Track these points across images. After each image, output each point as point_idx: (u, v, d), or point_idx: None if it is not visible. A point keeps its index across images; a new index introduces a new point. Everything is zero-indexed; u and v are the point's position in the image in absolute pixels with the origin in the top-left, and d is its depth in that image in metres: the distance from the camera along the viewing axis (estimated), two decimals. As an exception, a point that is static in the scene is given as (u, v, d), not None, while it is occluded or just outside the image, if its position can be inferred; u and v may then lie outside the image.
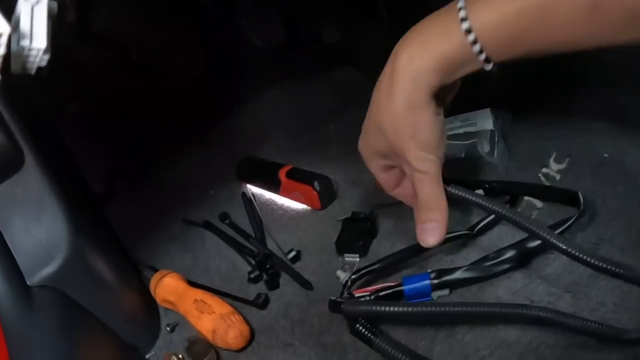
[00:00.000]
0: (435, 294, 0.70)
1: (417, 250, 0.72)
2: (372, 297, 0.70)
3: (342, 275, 0.75)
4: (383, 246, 0.79)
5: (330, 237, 0.83)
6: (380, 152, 0.63)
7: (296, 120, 1.08)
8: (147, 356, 0.78)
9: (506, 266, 0.69)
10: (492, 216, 0.73)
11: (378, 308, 0.64)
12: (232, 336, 0.72)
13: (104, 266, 0.76)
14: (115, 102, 1.11)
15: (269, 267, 0.80)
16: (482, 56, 0.54)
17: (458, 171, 0.77)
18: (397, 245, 0.77)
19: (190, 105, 1.13)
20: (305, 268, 0.81)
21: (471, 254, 0.73)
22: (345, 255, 0.79)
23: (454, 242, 0.73)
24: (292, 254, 0.81)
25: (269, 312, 0.77)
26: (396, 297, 0.70)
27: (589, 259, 0.56)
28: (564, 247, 0.57)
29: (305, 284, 0.77)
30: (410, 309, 0.64)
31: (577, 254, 0.57)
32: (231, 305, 0.77)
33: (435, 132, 0.59)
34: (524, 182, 0.78)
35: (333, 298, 0.70)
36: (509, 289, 0.68)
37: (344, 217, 0.82)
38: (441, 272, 0.69)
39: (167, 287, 0.81)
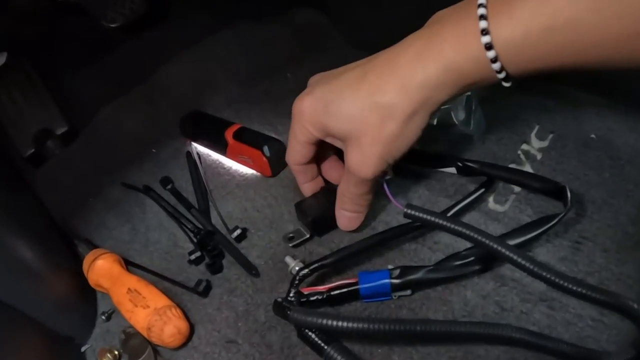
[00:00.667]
0: (395, 294, 0.61)
1: (377, 242, 0.64)
2: (324, 297, 0.61)
3: (292, 263, 0.65)
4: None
5: (280, 210, 0.74)
6: (322, 127, 0.58)
7: (249, 67, 0.95)
8: (82, 349, 0.69)
9: (477, 267, 0.60)
10: (470, 199, 0.66)
11: (329, 322, 0.54)
12: (168, 334, 0.63)
13: (25, 247, 0.67)
14: (45, 49, 0.96)
15: (211, 248, 0.70)
16: (502, 75, 0.49)
17: (429, 141, 0.67)
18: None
19: (129, 50, 0.99)
20: (252, 248, 0.71)
21: (439, 245, 0.65)
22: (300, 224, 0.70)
23: (416, 231, 0.65)
24: (237, 232, 0.71)
25: (212, 300, 0.68)
26: (351, 296, 0.61)
27: (550, 277, 0.51)
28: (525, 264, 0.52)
29: (251, 270, 0.68)
30: (366, 325, 0.53)
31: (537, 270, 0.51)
32: (169, 293, 0.68)
33: (410, 146, 0.56)
34: (503, 166, 0.68)
35: (279, 300, 0.60)
36: (478, 292, 0.60)
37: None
38: (404, 270, 0.60)
39: (100, 270, 0.71)
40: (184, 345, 0.65)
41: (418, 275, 0.60)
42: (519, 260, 0.52)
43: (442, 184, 0.69)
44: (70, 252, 0.76)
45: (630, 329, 0.52)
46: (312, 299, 0.61)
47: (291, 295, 0.61)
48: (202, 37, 0.99)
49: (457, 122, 0.71)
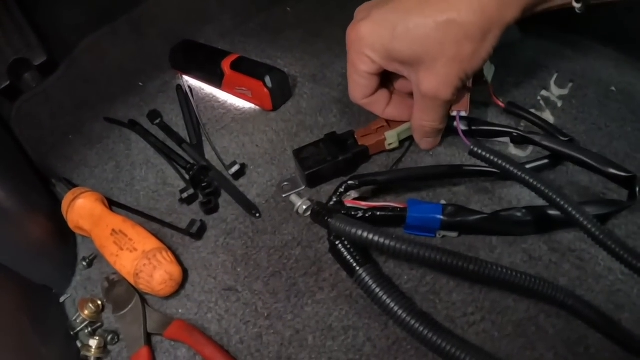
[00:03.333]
0: (441, 233, 0.52)
1: (435, 174, 0.55)
2: (367, 214, 0.51)
3: (298, 202, 0.54)
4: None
5: (282, 145, 0.63)
6: (387, 53, 0.50)
7: (245, -2, 0.81)
8: (61, 299, 0.58)
9: (529, 229, 0.51)
10: (533, 165, 0.55)
11: (377, 239, 0.44)
12: (158, 281, 0.52)
13: None
14: None
15: (206, 185, 0.58)
16: None
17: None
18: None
19: None
20: (251, 187, 0.60)
21: (492, 200, 0.55)
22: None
23: (479, 178, 0.56)
24: (235, 168, 0.59)
25: (206, 244, 0.58)
26: (395, 221, 0.51)
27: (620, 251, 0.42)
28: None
29: (251, 209, 0.56)
30: (417, 251, 0.43)
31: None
32: (158, 235, 0.57)
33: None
34: (564, 139, 0.56)
35: (316, 207, 0.50)
36: (504, 239, 0.52)
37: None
38: (457, 210, 0.51)
39: (81, 210, 0.59)
40: (175, 293, 0.54)
41: (472, 219, 0.50)
42: (589, 226, 0.43)
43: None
44: (47, 192, 0.65)
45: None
46: (353, 213, 0.51)
47: (331, 203, 0.51)
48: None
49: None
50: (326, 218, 0.47)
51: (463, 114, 0.55)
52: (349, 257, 0.47)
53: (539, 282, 0.44)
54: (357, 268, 0.46)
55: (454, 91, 0.50)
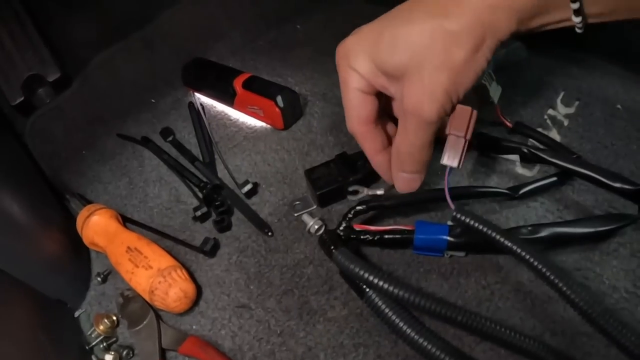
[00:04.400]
0: (448, 253, 0.52)
1: (440, 196, 0.53)
2: (375, 238, 0.52)
3: (310, 222, 0.55)
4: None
5: (294, 164, 0.64)
6: (373, 65, 0.46)
7: (256, 16, 0.83)
8: (76, 314, 0.59)
9: (537, 247, 0.51)
10: (541, 183, 0.55)
11: (370, 278, 0.45)
12: (173, 298, 0.53)
13: (11, 202, 0.57)
14: None
15: (219, 203, 0.59)
16: (576, 5, 0.41)
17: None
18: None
19: None
20: (263, 205, 0.61)
21: (499, 220, 0.55)
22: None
23: (487, 198, 0.56)
24: (248, 187, 0.60)
25: (219, 261, 0.58)
26: (403, 243, 0.52)
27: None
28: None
29: (263, 228, 0.57)
30: (408, 297, 0.44)
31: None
32: (172, 252, 0.58)
33: (475, 80, 0.45)
34: (573, 157, 0.57)
35: (324, 236, 0.51)
36: (510, 258, 0.50)
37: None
38: (464, 231, 0.51)
39: (96, 227, 0.60)
40: (189, 310, 0.55)
41: (479, 238, 0.49)
42: (572, 296, 0.42)
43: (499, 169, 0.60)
44: (62, 208, 0.66)
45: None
46: (362, 237, 0.52)
47: (341, 228, 0.52)
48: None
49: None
50: (332, 248, 0.48)
51: (455, 164, 0.48)
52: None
53: (523, 338, 0.44)
54: (367, 290, 0.47)
55: (439, 108, 0.44)
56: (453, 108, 0.46)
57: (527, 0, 0.42)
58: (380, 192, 0.56)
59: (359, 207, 0.52)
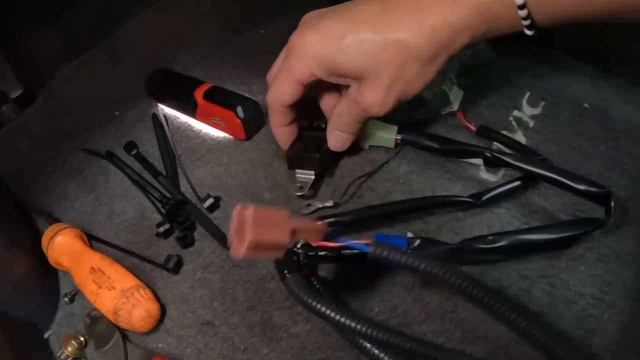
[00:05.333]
0: None
1: (404, 209, 0.55)
2: (334, 255, 0.51)
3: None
4: (343, 170, 0.61)
5: (256, 176, 0.63)
6: (329, 65, 0.50)
7: (221, 23, 0.82)
8: (45, 335, 0.58)
9: (500, 256, 0.51)
10: (504, 188, 0.54)
11: (321, 309, 0.43)
12: (137, 318, 0.53)
13: None
14: None
15: (182, 219, 0.58)
16: (527, 22, 0.45)
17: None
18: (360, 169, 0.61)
19: (90, 3, 0.82)
20: (226, 219, 0.61)
21: (464, 228, 0.55)
22: (297, 172, 0.59)
23: (449, 207, 0.55)
24: (209, 201, 0.60)
25: (184, 278, 0.58)
26: (362, 259, 0.48)
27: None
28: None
29: (226, 242, 0.57)
30: (359, 328, 0.42)
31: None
32: (137, 270, 0.58)
33: (424, 88, 0.50)
34: (538, 159, 0.56)
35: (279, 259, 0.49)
36: (475, 267, 0.52)
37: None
38: (423, 243, 0.50)
39: (60, 247, 0.60)
40: (155, 328, 0.55)
41: (438, 251, 0.50)
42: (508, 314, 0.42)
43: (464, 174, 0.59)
44: (29, 227, 0.65)
45: (632, 308, 0.47)
46: (320, 253, 0.51)
47: (298, 246, 0.51)
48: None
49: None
50: (285, 272, 0.47)
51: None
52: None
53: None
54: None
55: (388, 109, 0.51)
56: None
57: (478, 19, 0.46)
58: (329, 203, 0.57)
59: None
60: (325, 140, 0.58)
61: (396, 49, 0.47)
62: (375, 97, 0.50)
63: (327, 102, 0.58)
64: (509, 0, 0.44)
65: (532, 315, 0.44)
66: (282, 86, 0.53)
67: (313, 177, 0.58)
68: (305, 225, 0.44)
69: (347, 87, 0.53)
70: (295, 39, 0.51)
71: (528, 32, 0.46)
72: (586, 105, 0.61)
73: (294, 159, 0.59)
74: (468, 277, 0.41)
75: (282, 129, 0.58)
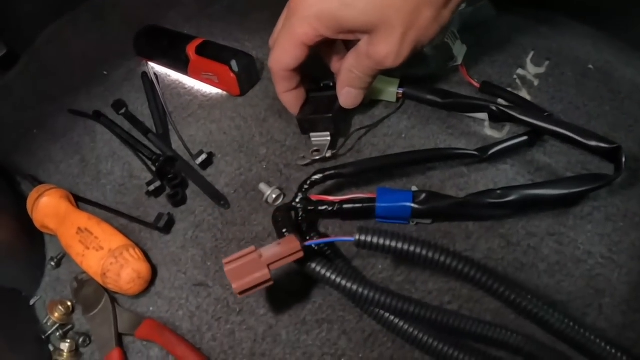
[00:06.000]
0: (414, 220, 0.49)
1: (405, 161, 0.52)
2: (335, 209, 0.49)
3: (267, 191, 0.52)
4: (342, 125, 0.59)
5: (250, 132, 0.60)
6: (336, 23, 0.45)
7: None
8: (31, 301, 0.56)
9: (508, 211, 0.49)
10: (511, 143, 0.52)
11: (319, 270, 0.42)
12: (126, 280, 0.50)
13: None
14: None
15: (173, 177, 0.55)
16: None
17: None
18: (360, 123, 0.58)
19: None
20: (219, 176, 0.58)
21: (468, 183, 0.52)
22: (312, 135, 0.56)
23: (454, 160, 0.53)
24: (202, 157, 0.57)
25: (175, 238, 0.56)
26: (365, 213, 0.48)
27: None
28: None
29: (219, 200, 0.54)
30: (356, 290, 0.41)
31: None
32: (126, 231, 0.55)
33: (440, 33, 0.46)
34: (545, 115, 0.54)
35: (277, 215, 0.47)
36: (481, 224, 0.51)
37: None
38: (429, 197, 0.47)
39: (46, 209, 0.57)
40: (145, 290, 0.53)
41: (445, 205, 0.47)
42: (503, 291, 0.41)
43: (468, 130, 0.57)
44: (12, 191, 0.63)
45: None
46: (320, 208, 0.49)
47: (297, 200, 0.49)
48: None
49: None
50: (283, 231, 0.45)
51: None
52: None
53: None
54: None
55: (404, 59, 0.47)
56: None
57: None
58: (328, 154, 0.54)
59: (315, 177, 0.49)
60: (336, 98, 0.54)
61: None
62: (389, 48, 0.46)
63: (335, 59, 0.54)
64: None
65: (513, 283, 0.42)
66: (285, 50, 0.49)
67: (329, 138, 0.55)
68: (278, 254, 0.41)
69: (355, 41, 0.49)
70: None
71: None
72: (590, 66, 0.59)
73: (306, 122, 0.55)
74: (457, 256, 0.40)
75: (289, 94, 0.54)
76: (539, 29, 0.63)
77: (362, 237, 0.40)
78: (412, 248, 0.39)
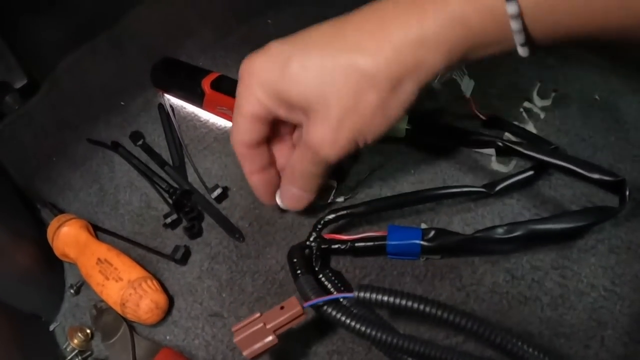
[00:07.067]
0: (423, 256, 0.52)
1: (415, 199, 0.54)
2: (347, 247, 0.52)
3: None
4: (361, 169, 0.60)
5: (264, 166, 0.61)
6: (276, 93, 0.42)
7: (226, 11, 0.81)
8: (51, 327, 0.59)
9: (514, 246, 0.52)
10: (517, 178, 0.54)
11: (330, 312, 0.45)
12: (144, 310, 0.53)
13: None
14: None
15: (189, 209, 0.58)
16: (521, 38, 0.37)
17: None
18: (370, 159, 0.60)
19: None
20: (234, 209, 0.61)
21: (475, 218, 0.55)
22: None
23: (462, 197, 0.55)
24: (218, 191, 0.60)
25: (191, 269, 0.58)
26: (377, 250, 0.52)
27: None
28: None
29: (234, 233, 0.56)
30: (368, 333, 0.43)
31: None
32: (144, 261, 0.58)
33: (391, 126, 0.42)
34: (551, 148, 0.56)
35: (294, 255, 0.51)
36: (486, 258, 0.53)
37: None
38: (438, 234, 0.50)
39: (66, 238, 0.60)
40: (162, 320, 0.55)
41: (453, 241, 0.50)
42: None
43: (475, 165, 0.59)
44: (33, 218, 0.65)
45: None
46: (334, 246, 0.52)
47: (311, 239, 0.51)
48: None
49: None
50: (298, 272, 0.48)
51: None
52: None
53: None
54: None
55: (340, 152, 0.43)
56: (358, 150, 0.44)
57: (455, 33, 0.38)
58: (340, 199, 0.57)
59: (328, 217, 0.52)
60: None
61: (348, 75, 0.39)
62: (324, 132, 0.42)
63: (280, 155, 0.51)
64: (497, 7, 0.36)
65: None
66: (237, 123, 0.46)
67: (335, 185, 0.58)
68: (282, 320, 0.44)
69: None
70: (243, 66, 0.45)
71: (522, 52, 0.39)
72: (596, 96, 0.61)
73: None
74: (454, 310, 0.42)
75: (256, 177, 0.50)
76: (546, 59, 0.65)
77: (362, 294, 0.43)
78: (409, 303, 0.42)
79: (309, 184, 0.48)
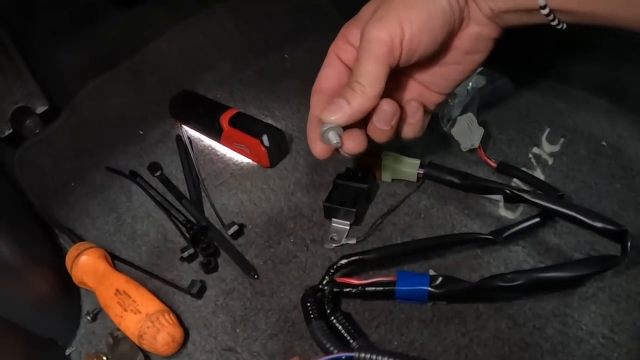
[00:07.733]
0: (431, 302, 0.54)
1: (424, 247, 0.58)
2: (358, 291, 0.54)
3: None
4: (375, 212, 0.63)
5: (279, 205, 0.65)
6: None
7: (244, 46, 0.84)
8: (67, 352, 0.61)
9: (518, 294, 0.54)
10: (524, 225, 0.57)
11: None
12: (161, 342, 0.56)
13: None
14: (23, 18, 0.81)
15: (206, 245, 0.61)
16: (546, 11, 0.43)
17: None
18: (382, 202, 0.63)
19: (116, 22, 0.86)
20: (249, 247, 0.63)
21: (481, 265, 0.57)
22: (333, 220, 0.62)
23: (469, 244, 0.58)
24: (234, 228, 0.62)
25: (206, 303, 0.60)
26: (386, 295, 0.54)
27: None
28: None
29: (249, 270, 0.59)
30: None
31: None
32: (160, 292, 0.61)
33: (433, 48, 0.47)
34: (556, 196, 0.59)
35: (306, 298, 0.54)
36: (491, 305, 0.55)
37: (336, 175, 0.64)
38: (445, 281, 0.53)
39: (85, 267, 0.62)
40: (178, 352, 0.57)
41: (459, 288, 0.52)
42: None
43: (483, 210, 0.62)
44: (51, 243, 0.67)
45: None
46: (345, 290, 0.54)
47: (324, 283, 0.54)
48: (194, 12, 0.88)
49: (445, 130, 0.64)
50: (311, 316, 0.51)
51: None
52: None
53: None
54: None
55: (389, 33, 0.45)
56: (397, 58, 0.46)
57: None
58: (351, 241, 0.60)
59: (340, 262, 0.54)
60: (362, 191, 0.61)
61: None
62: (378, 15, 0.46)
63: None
64: None
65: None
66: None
67: (348, 227, 0.61)
68: None
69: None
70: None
71: (543, 12, 0.44)
72: (604, 143, 0.64)
73: (332, 210, 0.61)
74: None
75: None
76: (555, 104, 0.68)
77: (362, 356, 0.46)
78: None
79: (372, 94, 0.47)
